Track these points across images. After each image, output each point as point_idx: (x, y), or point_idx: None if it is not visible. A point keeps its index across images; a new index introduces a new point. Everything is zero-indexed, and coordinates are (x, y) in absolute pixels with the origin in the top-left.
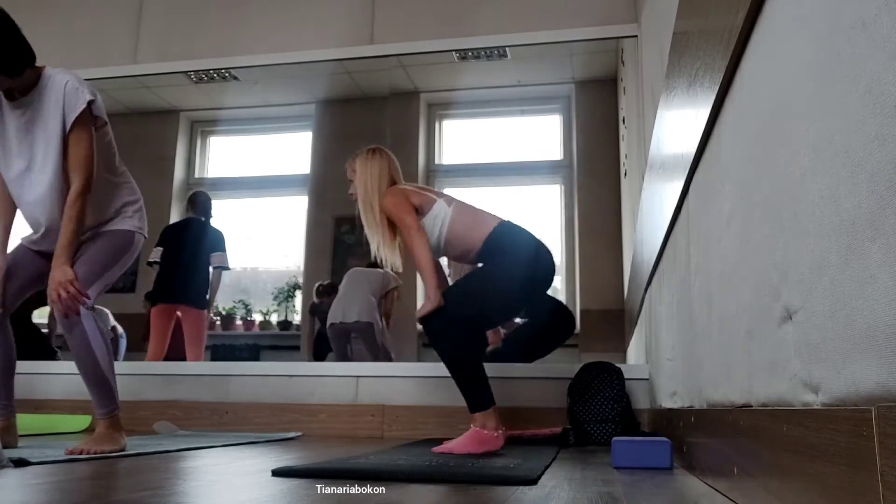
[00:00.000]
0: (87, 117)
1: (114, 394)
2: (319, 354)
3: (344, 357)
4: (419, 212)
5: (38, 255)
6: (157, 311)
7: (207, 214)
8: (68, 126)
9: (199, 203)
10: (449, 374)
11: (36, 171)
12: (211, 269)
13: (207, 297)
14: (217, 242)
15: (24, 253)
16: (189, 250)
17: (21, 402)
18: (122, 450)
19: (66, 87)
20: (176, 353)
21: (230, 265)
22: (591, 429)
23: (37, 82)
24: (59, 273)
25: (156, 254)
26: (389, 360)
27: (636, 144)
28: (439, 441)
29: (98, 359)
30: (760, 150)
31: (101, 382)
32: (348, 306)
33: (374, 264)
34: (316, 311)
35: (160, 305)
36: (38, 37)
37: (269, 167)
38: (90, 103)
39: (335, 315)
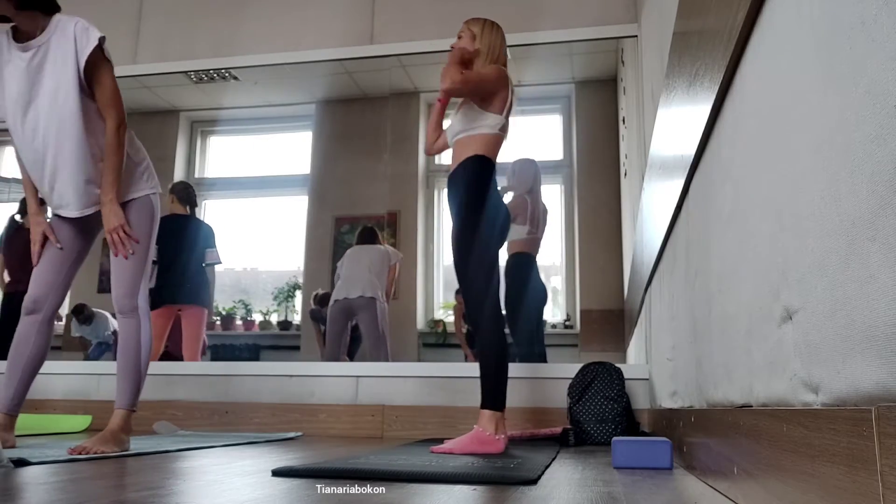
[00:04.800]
0: (102, 54)
1: (138, 392)
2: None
3: (339, 336)
4: (490, 103)
5: (66, 225)
6: (158, 312)
7: (194, 206)
8: (82, 63)
9: (185, 195)
10: (448, 375)
11: (43, 114)
12: (205, 265)
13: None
14: (209, 238)
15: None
16: (186, 248)
17: None
18: (125, 451)
19: (76, 27)
20: (177, 351)
21: (221, 261)
22: (591, 429)
23: (46, 27)
24: (113, 217)
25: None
26: (385, 346)
27: (636, 144)
28: (439, 441)
29: (141, 352)
30: (760, 150)
31: (133, 375)
32: (352, 285)
33: (371, 238)
34: (316, 317)
35: (162, 308)
36: None
37: (269, 167)
38: (101, 40)
39: (339, 293)
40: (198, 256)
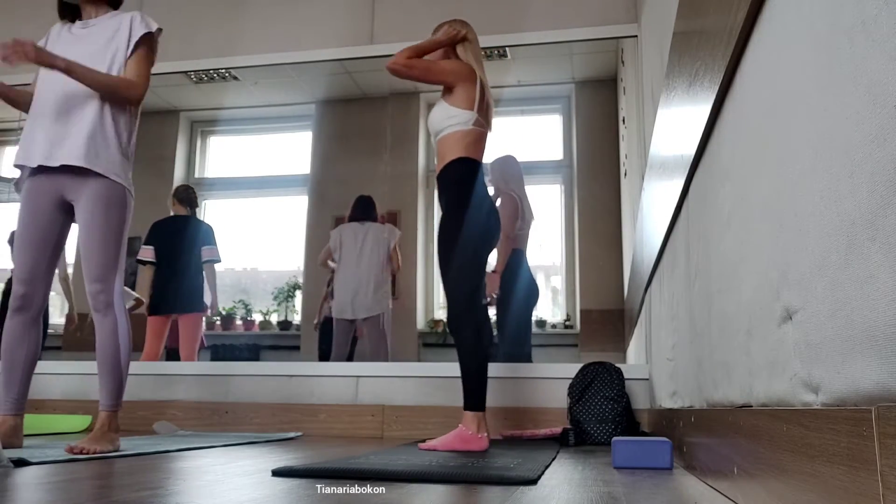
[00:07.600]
0: (152, 41)
1: (121, 390)
2: (324, 338)
3: (346, 345)
4: (451, 91)
5: (52, 205)
6: (155, 317)
7: (195, 207)
8: (132, 45)
9: (185, 196)
10: (448, 375)
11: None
12: (203, 262)
13: (206, 298)
14: (208, 235)
15: (37, 208)
16: (185, 252)
17: None
18: (117, 451)
19: (134, 15)
20: (174, 344)
21: (221, 258)
22: (591, 429)
23: (107, 12)
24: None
25: (148, 252)
26: (385, 345)
27: (636, 144)
28: None
29: (120, 350)
30: (760, 150)
31: (114, 374)
32: (358, 303)
33: (368, 210)
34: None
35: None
36: (38, 37)
37: (269, 167)
38: (159, 31)
39: (343, 310)
40: (196, 258)
